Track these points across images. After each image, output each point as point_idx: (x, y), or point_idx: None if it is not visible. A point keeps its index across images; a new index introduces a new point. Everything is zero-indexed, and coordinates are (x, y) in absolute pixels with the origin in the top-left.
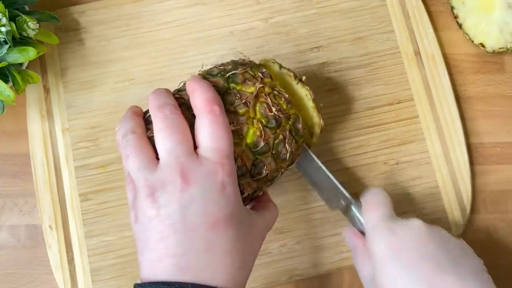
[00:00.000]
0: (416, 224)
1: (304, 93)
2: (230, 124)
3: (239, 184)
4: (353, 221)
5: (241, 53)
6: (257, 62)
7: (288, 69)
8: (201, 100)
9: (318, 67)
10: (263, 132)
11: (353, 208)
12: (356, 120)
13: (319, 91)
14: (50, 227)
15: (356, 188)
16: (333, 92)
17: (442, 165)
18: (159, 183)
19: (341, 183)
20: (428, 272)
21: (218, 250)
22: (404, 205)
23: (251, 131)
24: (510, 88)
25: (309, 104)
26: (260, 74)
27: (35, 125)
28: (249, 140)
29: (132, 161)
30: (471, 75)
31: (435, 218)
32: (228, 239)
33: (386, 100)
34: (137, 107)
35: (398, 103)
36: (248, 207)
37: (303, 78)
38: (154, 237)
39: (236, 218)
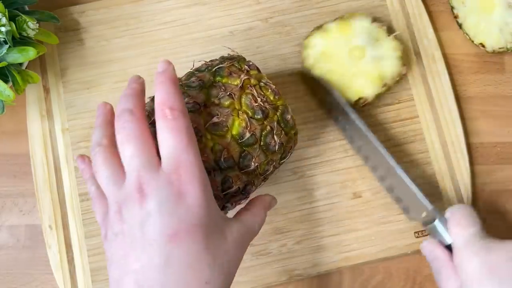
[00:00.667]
0: None
1: (392, 44)
2: (215, 116)
3: (227, 177)
4: (435, 234)
5: (229, 48)
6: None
7: (381, 24)
8: (156, 102)
9: None
10: (248, 123)
11: (439, 223)
12: None
13: None
14: (50, 227)
15: (356, 188)
16: None
17: (442, 165)
18: (123, 199)
19: (424, 193)
20: None
21: (178, 265)
22: None
23: (236, 123)
24: (510, 88)
25: (397, 53)
26: (246, 67)
27: (35, 125)
28: (234, 131)
29: (100, 176)
30: (471, 75)
31: None
32: (190, 252)
33: (386, 100)
34: (107, 104)
35: (398, 103)
36: (243, 203)
37: (396, 33)
38: (118, 254)
39: (202, 229)
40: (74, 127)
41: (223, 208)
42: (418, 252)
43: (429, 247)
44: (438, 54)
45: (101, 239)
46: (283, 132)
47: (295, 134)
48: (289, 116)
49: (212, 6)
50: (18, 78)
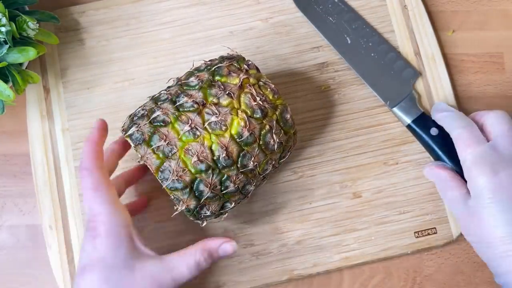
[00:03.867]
0: None
1: None
2: (213, 115)
3: (226, 176)
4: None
5: (228, 47)
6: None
7: None
8: None
9: (318, 67)
10: (247, 123)
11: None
12: (356, 120)
13: (319, 91)
14: (50, 227)
15: (356, 188)
16: (333, 92)
17: None
18: None
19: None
20: None
21: None
22: (404, 205)
23: (235, 122)
24: (510, 88)
25: None
26: (245, 66)
27: (35, 125)
28: (233, 131)
29: None
30: (471, 75)
31: (435, 218)
32: (91, 281)
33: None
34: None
35: None
36: (244, 201)
37: None
38: None
39: (104, 264)
40: (74, 127)
41: (223, 207)
42: (418, 252)
43: (430, 170)
44: (438, 54)
45: None
46: (282, 131)
47: (294, 133)
48: (288, 115)
49: (212, 6)
50: (18, 78)
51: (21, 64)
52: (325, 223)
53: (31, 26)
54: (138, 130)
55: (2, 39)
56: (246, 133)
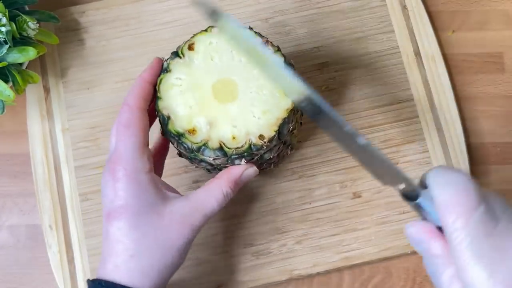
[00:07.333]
0: None
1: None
2: None
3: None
4: (421, 213)
5: None
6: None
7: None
8: None
9: (318, 67)
10: None
11: (422, 202)
12: (356, 120)
13: (319, 91)
14: (50, 227)
15: (356, 188)
16: (333, 92)
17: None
18: None
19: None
20: None
21: (112, 238)
22: (404, 205)
23: None
24: (510, 88)
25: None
26: None
27: (35, 125)
28: None
29: None
30: (471, 75)
31: None
32: (118, 228)
33: (386, 100)
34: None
35: (398, 103)
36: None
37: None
38: None
39: (130, 209)
40: (74, 127)
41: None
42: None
43: (414, 230)
44: (438, 54)
45: None
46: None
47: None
48: None
49: None
50: (18, 78)
51: (21, 64)
52: (325, 223)
53: (31, 26)
54: None
55: (2, 39)
56: None
